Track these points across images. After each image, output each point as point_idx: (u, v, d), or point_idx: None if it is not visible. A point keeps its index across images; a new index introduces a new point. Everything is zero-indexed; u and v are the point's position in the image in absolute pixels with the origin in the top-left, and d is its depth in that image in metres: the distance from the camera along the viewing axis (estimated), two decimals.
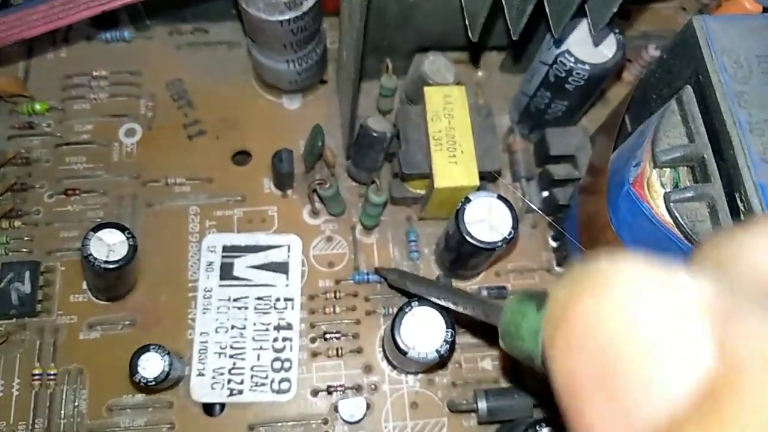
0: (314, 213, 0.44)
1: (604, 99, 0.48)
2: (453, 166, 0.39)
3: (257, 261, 0.42)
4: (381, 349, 0.41)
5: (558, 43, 0.37)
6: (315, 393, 0.40)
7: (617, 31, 0.39)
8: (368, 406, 0.39)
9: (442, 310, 0.35)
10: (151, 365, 0.35)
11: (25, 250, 0.42)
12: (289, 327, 0.41)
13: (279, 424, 0.39)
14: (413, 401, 0.40)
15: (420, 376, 0.40)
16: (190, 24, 0.49)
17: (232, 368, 0.39)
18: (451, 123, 0.40)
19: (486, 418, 0.38)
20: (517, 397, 0.38)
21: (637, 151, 0.32)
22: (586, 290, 0.11)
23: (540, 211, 0.44)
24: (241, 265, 0.42)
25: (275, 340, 0.40)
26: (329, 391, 0.40)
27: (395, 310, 0.36)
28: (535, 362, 0.22)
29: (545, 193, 0.44)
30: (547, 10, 0.35)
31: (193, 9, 0.47)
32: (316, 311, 0.41)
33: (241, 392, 0.39)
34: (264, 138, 0.45)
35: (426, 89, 0.40)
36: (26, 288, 0.40)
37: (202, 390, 0.39)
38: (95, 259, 0.36)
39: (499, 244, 0.36)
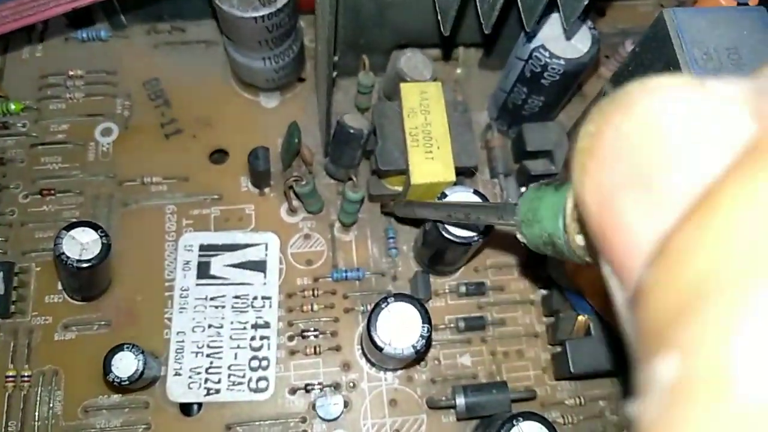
0: (292, 211, 0.43)
1: (582, 94, 0.48)
2: (429, 162, 0.38)
3: (234, 260, 0.42)
4: (359, 346, 0.40)
5: (530, 36, 0.37)
6: (293, 391, 0.39)
7: (592, 26, 0.39)
8: (346, 404, 0.39)
9: (418, 305, 0.35)
10: (125, 364, 0.35)
11: None
12: (266, 325, 0.40)
13: (257, 423, 0.38)
14: (392, 398, 0.39)
15: (399, 373, 0.40)
16: (167, 23, 0.48)
17: (209, 367, 0.39)
18: (428, 119, 0.40)
19: (465, 414, 0.38)
20: (495, 393, 0.38)
21: None
22: (615, 112, 0.10)
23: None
24: (218, 264, 0.42)
25: (253, 338, 0.40)
26: (307, 389, 0.39)
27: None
28: (555, 242, 0.22)
29: (523, 189, 0.44)
30: (519, 3, 0.35)
31: (170, 8, 0.47)
32: (294, 309, 0.41)
33: (218, 392, 0.39)
34: (241, 137, 0.45)
35: (402, 85, 0.40)
36: (0, 289, 0.39)
37: (179, 390, 0.39)
38: (68, 258, 0.35)
39: (475, 238, 0.36)
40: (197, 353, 0.39)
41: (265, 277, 0.42)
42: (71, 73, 0.46)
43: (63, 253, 0.35)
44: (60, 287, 0.40)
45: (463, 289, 0.42)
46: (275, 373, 0.39)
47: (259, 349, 0.40)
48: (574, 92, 0.45)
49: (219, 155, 0.45)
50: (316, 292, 0.42)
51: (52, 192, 0.43)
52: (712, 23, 0.31)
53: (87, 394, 0.38)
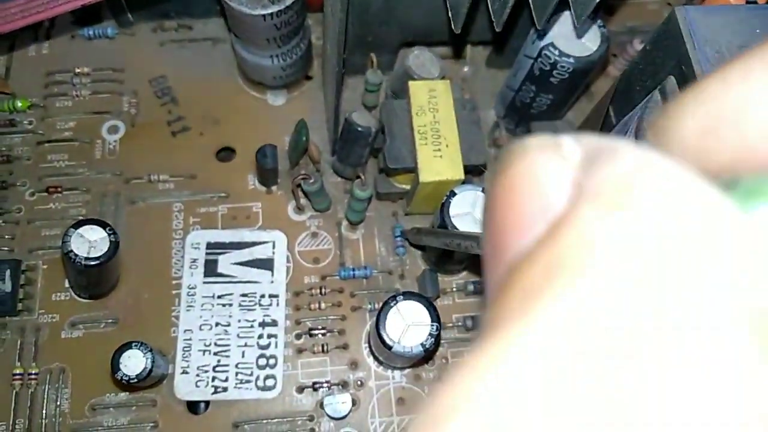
0: (299, 209, 0.43)
1: (590, 93, 0.48)
2: (438, 160, 0.38)
3: (242, 258, 0.42)
4: (367, 344, 0.40)
5: (541, 35, 0.37)
6: (300, 390, 0.39)
7: (601, 24, 0.39)
8: (354, 403, 0.39)
9: (427, 304, 0.35)
10: (134, 362, 0.35)
11: (6, 248, 0.41)
12: (274, 324, 0.40)
13: (264, 421, 0.38)
14: (400, 397, 0.39)
15: (406, 371, 0.40)
16: (174, 21, 0.48)
17: (217, 366, 0.39)
18: (436, 117, 0.39)
19: None
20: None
21: None
22: (499, 170, 0.11)
23: None
24: (225, 262, 0.42)
25: (260, 336, 0.40)
26: (315, 387, 0.39)
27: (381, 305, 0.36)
28: None
29: None
30: (530, 1, 0.35)
31: (177, 5, 0.47)
32: (302, 307, 0.41)
33: (225, 390, 0.39)
34: (248, 134, 0.45)
35: (411, 83, 0.40)
36: (7, 287, 0.39)
37: (186, 388, 0.39)
38: (76, 255, 0.35)
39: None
40: (204, 351, 0.39)
41: (272, 275, 0.41)
42: (78, 70, 0.46)
43: (71, 251, 0.35)
44: (67, 285, 0.40)
45: (470, 287, 0.42)
46: (283, 372, 0.39)
47: (267, 347, 0.40)
48: (583, 91, 0.45)
49: (226, 153, 0.45)
50: (323, 291, 0.41)
51: (59, 189, 0.43)
52: (724, 21, 0.31)
53: (94, 392, 0.38)
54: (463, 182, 0.38)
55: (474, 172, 0.41)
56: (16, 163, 0.43)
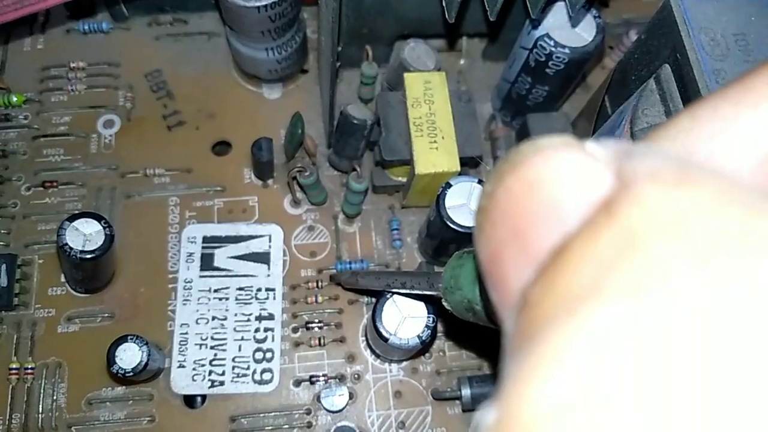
0: (295, 202, 0.43)
1: (586, 85, 0.48)
2: (434, 152, 0.38)
3: (238, 251, 0.42)
4: (364, 338, 0.40)
5: (536, 24, 0.37)
6: (297, 383, 0.39)
7: (596, 14, 0.39)
8: (351, 396, 0.39)
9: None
10: (129, 356, 0.34)
11: (1, 243, 0.41)
12: (270, 317, 0.40)
13: (261, 415, 0.38)
14: (397, 390, 0.39)
15: (404, 364, 0.40)
16: (169, 14, 0.48)
17: (213, 359, 0.39)
18: (432, 109, 0.39)
19: (470, 405, 0.37)
20: None
21: (616, 131, 0.32)
22: (507, 172, 0.11)
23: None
24: (221, 256, 0.41)
25: (257, 330, 0.40)
26: (312, 381, 0.39)
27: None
28: (474, 308, 0.22)
29: None
30: None
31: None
32: (298, 301, 0.41)
33: (222, 384, 0.39)
34: (244, 128, 0.45)
35: (406, 75, 0.40)
36: (2, 281, 0.39)
37: (182, 382, 0.38)
38: (71, 249, 0.35)
39: None
40: (201, 345, 0.39)
41: (268, 268, 0.41)
42: (73, 65, 0.46)
43: (66, 244, 0.35)
44: (63, 279, 0.40)
45: None
46: (279, 365, 0.39)
47: (264, 341, 0.40)
48: (579, 82, 0.45)
49: (222, 147, 0.45)
50: (320, 284, 0.41)
51: (55, 184, 0.43)
52: (719, 9, 0.31)
53: (91, 387, 0.38)
54: (459, 174, 0.38)
55: (470, 163, 0.41)
56: (11, 158, 0.43)
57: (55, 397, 0.38)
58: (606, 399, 0.08)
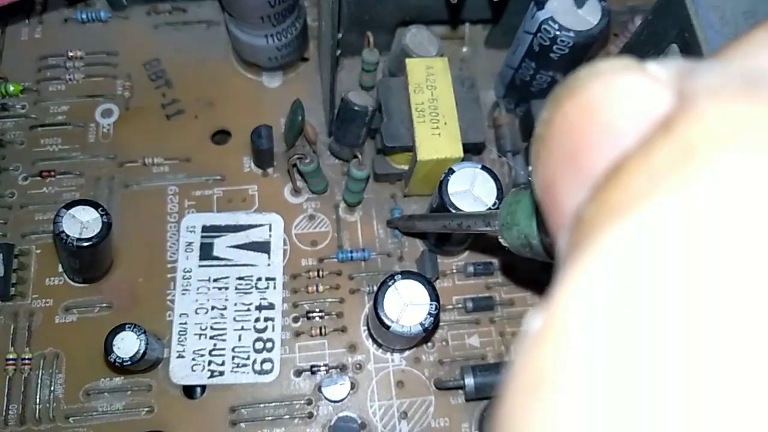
0: (296, 191, 0.43)
1: None
2: (436, 138, 0.38)
3: (238, 241, 0.41)
4: (365, 327, 0.40)
5: (540, 4, 0.37)
6: (298, 373, 0.38)
7: None
8: (353, 386, 0.38)
9: (426, 282, 0.34)
10: (127, 345, 0.34)
11: None
12: (271, 307, 0.40)
13: (262, 405, 0.38)
14: (399, 380, 0.39)
15: (406, 354, 0.39)
16: (168, 3, 0.48)
17: (213, 349, 0.38)
18: (434, 94, 0.39)
19: (473, 394, 0.37)
20: (504, 373, 0.37)
21: None
22: (564, 97, 0.11)
23: (528, 183, 0.43)
24: (221, 245, 0.41)
25: (257, 320, 0.39)
26: (313, 371, 0.38)
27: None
28: (531, 242, 0.22)
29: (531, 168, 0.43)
30: None
31: None
32: (299, 290, 0.40)
33: (222, 374, 0.38)
34: (244, 117, 0.44)
35: (408, 60, 0.39)
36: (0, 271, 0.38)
37: (182, 372, 0.38)
38: (68, 236, 0.34)
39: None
40: (200, 335, 0.39)
41: (269, 258, 0.41)
42: (71, 54, 0.46)
43: (63, 232, 0.34)
44: (60, 269, 0.40)
45: (470, 269, 0.41)
46: (280, 355, 0.39)
47: (264, 330, 0.39)
48: None
49: (221, 136, 0.45)
50: (321, 273, 0.41)
51: (52, 174, 0.42)
52: None
53: (88, 377, 0.38)
54: (462, 160, 0.37)
55: (473, 151, 0.40)
56: (8, 148, 0.43)
57: (52, 388, 0.37)
58: (648, 298, 0.08)
